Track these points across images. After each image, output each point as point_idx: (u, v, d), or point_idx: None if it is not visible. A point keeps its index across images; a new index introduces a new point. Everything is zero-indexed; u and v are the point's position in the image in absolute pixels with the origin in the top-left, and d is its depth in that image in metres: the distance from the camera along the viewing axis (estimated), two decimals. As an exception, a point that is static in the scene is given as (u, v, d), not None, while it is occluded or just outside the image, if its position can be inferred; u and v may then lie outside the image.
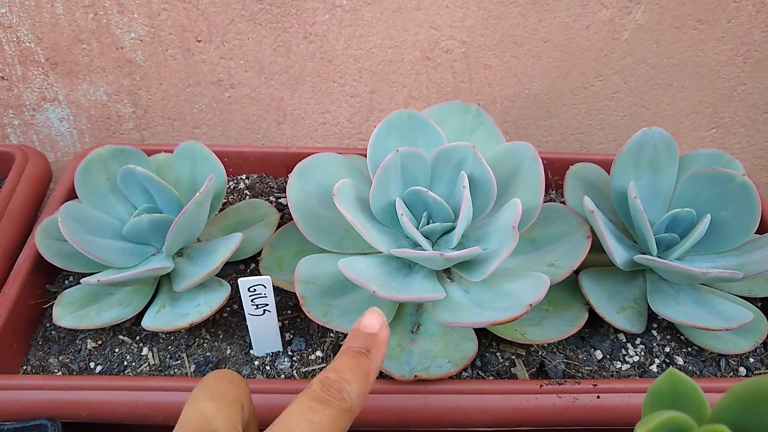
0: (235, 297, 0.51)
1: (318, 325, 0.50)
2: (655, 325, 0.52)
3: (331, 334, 0.50)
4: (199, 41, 0.64)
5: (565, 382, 0.45)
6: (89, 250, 0.45)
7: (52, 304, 0.51)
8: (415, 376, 0.42)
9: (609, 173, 0.54)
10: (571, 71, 0.69)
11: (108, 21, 0.62)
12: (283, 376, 0.47)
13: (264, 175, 0.62)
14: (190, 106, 0.70)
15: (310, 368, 0.47)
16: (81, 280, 0.46)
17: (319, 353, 0.49)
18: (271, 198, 0.60)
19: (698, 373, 0.48)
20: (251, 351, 0.49)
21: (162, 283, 0.50)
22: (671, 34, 0.66)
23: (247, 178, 0.62)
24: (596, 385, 0.44)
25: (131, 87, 0.68)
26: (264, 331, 0.47)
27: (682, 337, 0.51)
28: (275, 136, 0.73)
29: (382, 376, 0.45)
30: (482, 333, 0.49)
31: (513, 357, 0.48)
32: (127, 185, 0.50)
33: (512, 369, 0.48)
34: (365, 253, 0.48)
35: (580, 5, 0.63)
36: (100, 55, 0.65)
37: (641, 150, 0.51)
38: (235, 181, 0.62)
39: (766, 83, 0.71)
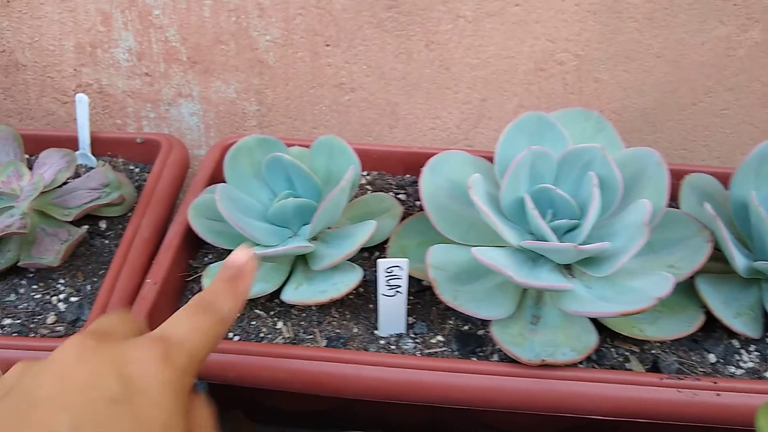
0: (366, 280, 0.55)
1: (438, 311, 0.54)
2: (768, 334, 0.52)
3: (450, 321, 0.53)
4: (327, 45, 0.69)
5: (684, 377, 0.46)
6: (242, 227, 0.49)
7: (195, 278, 0.56)
8: (542, 360, 0.45)
9: (722, 185, 0.56)
10: (682, 87, 0.70)
11: (248, 24, 0.68)
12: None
13: (383, 172, 0.66)
14: (311, 107, 0.75)
15: (432, 350, 0.50)
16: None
17: (440, 338, 0.52)
18: (391, 194, 0.64)
19: (816, 382, 0.49)
20: (376, 331, 0.52)
21: (296, 264, 0.54)
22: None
23: (368, 174, 0.66)
24: (717, 383, 0.46)
25: (259, 86, 0.73)
26: (393, 311, 0.50)
27: (796, 347, 0.51)
28: (387, 140, 0.77)
29: (507, 359, 0.48)
30: (596, 329, 0.51)
31: (627, 353, 0.50)
32: (272, 172, 0.54)
33: (627, 364, 0.49)
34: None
35: (698, 21, 0.65)
36: (236, 55, 0.71)
37: (763, 161, 0.53)
38: (368, 174, 0.66)
39: None
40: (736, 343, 0.52)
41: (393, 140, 0.77)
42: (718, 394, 0.45)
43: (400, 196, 0.64)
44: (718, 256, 0.52)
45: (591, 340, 0.47)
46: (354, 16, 0.66)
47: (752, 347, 0.51)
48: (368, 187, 0.65)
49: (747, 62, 0.68)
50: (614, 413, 0.46)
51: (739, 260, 0.48)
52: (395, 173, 0.66)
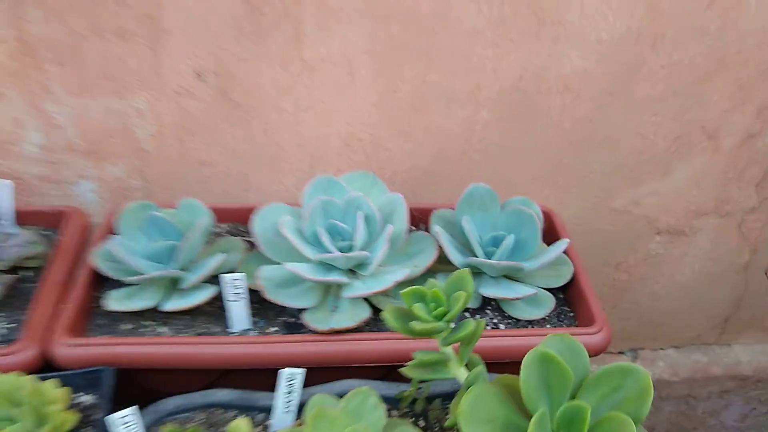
0: (218, 297, 0.79)
1: (274, 312, 0.79)
2: (489, 307, 0.82)
3: (282, 317, 0.78)
4: (192, 135, 0.95)
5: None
6: (128, 262, 0.73)
7: (100, 304, 0.79)
8: (331, 328, 0.71)
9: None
10: (446, 151, 1.01)
11: (131, 123, 0.93)
12: (250, 339, 0.75)
13: (237, 223, 0.92)
14: (182, 180, 1.00)
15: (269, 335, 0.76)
16: (124, 279, 0.74)
17: (275, 328, 0.77)
18: (240, 238, 0.89)
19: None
20: (228, 329, 0.77)
21: (172, 286, 0.78)
22: (505, 124, 0.99)
23: (226, 225, 0.91)
24: (440, 333, 0.73)
25: (141, 167, 0.98)
26: (239, 312, 0.75)
27: (505, 313, 0.81)
28: (242, 201, 1.03)
29: (302, 326, 0.73)
30: (376, 310, 0.78)
31: (396, 326, 0.77)
32: (150, 225, 0.79)
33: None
34: (302, 263, 0.77)
35: (445, 107, 0.96)
36: (122, 145, 0.95)
37: (472, 197, 0.83)
38: (219, 228, 0.91)
39: (582, 157, 1.04)
40: (467, 314, 0.80)
41: (247, 200, 1.03)
42: (442, 340, 0.73)
43: (246, 239, 0.89)
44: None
45: (365, 313, 0.74)
46: (209, 114, 0.93)
47: (468, 315, 0.80)
48: (225, 234, 0.90)
49: (485, 132, 1.00)
50: (373, 360, 0.72)
51: (454, 258, 0.78)
52: (245, 223, 0.92)
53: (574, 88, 0.97)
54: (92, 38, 0.84)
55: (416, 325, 0.49)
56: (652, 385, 0.55)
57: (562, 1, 0.88)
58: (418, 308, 0.49)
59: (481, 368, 0.54)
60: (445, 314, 0.50)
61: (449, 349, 0.55)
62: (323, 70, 0.91)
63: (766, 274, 1.23)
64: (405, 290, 0.50)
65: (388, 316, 0.51)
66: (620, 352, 1.39)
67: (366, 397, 0.60)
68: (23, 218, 0.89)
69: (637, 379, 0.55)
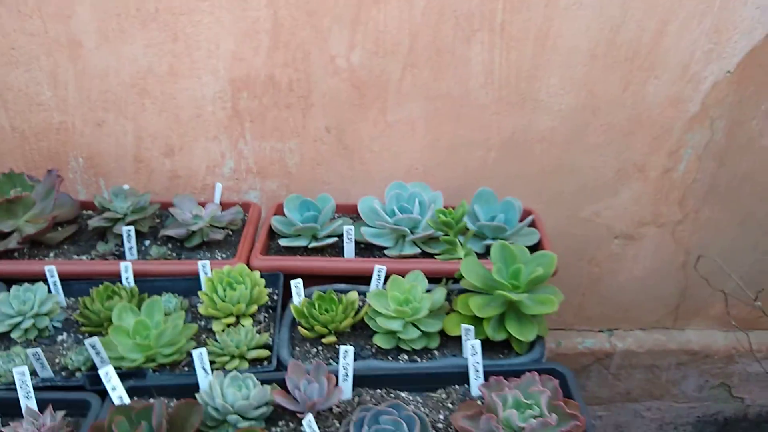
0: (336, 244, 1.43)
1: (368, 254, 1.42)
2: (488, 255, 1.42)
3: (372, 254, 1.41)
4: (318, 165, 1.62)
5: (448, 261, 1.35)
6: (293, 222, 1.39)
7: (272, 246, 1.43)
8: (400, 254, 1.34)
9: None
10: (468, 177, 1.64)
11: (285, 156, 1.60)
12: (356, 263, 1.38)
13: (344, 213, 1.57)
14: (311, 190, 1.65)
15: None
16: (288, 232, 1.39)
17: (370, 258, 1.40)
18: (348, 218, 1.54)
19: (500, 266, 1.39)
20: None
21: (313, 237, 1.43)
22: (506, 161, 1.62)
23: (338, 213, 1.57)
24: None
25: (288, 184, 1.64)
26: (349, 250, 1.38)
27: (498, 259, 1.41)
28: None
29: (384, 255, 1.36)
30: (422, 252, 1.40)
31: (434, 257, 1.39)
32: (302, 206, 1.45)
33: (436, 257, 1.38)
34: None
35: (468, 150, 1.60)
36: (279, 169, 1.62)
37: (481, 195, 1.46)
38: (334, 215, 1.57)
39: (556, 183, 1.65)
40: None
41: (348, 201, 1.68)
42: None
43: (352, 216, 1.54)
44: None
45: (417, 250, 1.36)
46: (330, 152, 1.60)
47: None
48: (338, 216, 1.56)
49: (495, 165, 1.63)
50: (432, 273, 1.33)
51: (469, 224, 1.40)
52: (348, 213, 1.57)
53: (547, 139, 1.60)
54: (272, 108, 1.54)
55: (440, 219, 1.11)
56: (556, 259, 1.15)
57: (535, 87, 1.53)
58: (442, 216, 1.12)
59: (471, 249, 1.15)
60: (454, 217, 1.13)
61: (457, 240, 1.16)
62: (397, 128, 1.58)
63: (695, 268, 1.77)
64: (437, 209, 1.13)
65: (429, 222, 1.14)
66: (600, 331, 1.94)
67: (418, 274, 1.22)
68: (223, 207, 1.57)
69: (549, 257, 1.15)
